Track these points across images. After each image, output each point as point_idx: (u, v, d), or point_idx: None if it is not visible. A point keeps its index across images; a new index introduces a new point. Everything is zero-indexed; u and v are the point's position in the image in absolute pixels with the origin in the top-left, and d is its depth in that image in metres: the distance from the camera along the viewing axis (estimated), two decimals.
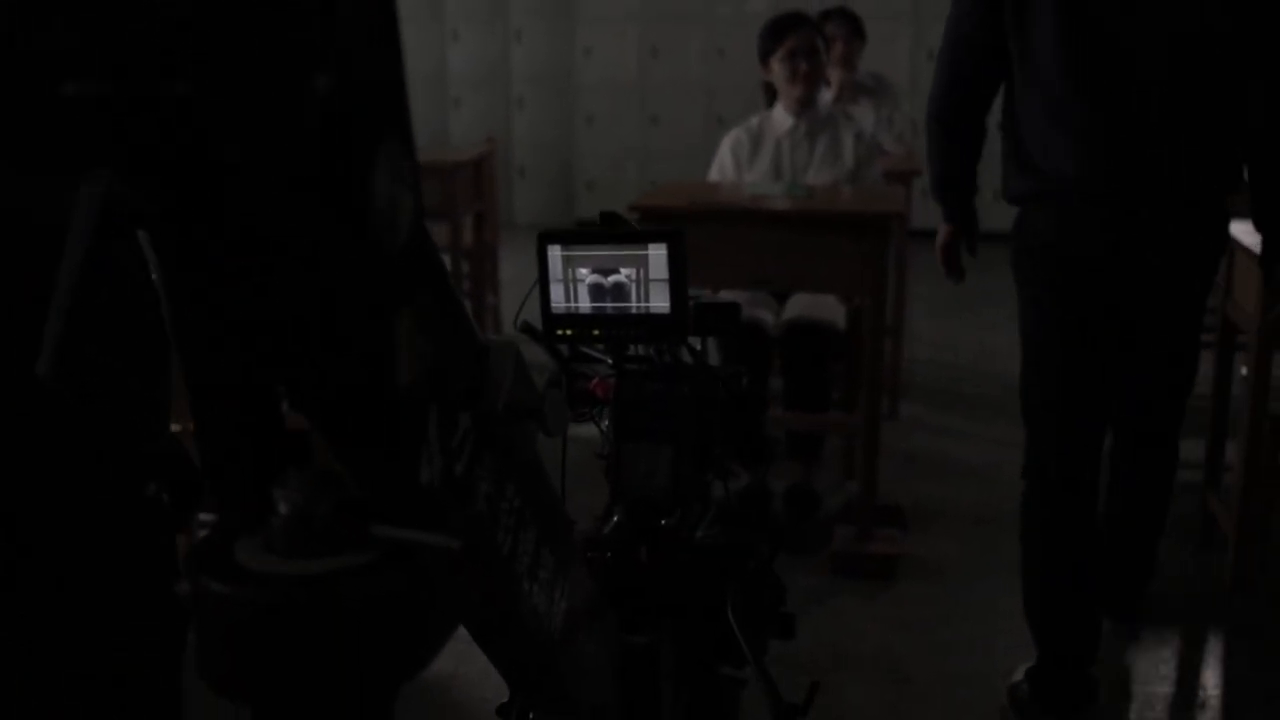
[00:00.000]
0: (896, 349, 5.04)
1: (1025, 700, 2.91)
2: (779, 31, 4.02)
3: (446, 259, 4.94)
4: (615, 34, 8.97)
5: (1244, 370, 3.55)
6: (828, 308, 3.89)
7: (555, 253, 1.99)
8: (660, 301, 1.94)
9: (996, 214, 8.35)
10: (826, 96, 4.96)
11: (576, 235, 1.99)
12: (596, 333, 1.99)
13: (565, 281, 1.99)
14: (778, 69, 4.08)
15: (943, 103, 2.90)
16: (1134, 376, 2.91)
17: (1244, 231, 3.39)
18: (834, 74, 5.18)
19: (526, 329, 2.10)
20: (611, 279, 1.97)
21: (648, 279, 1.95)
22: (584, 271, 1.98)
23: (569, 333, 2.01)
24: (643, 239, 1.94)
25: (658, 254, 1.93)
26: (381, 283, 0.72)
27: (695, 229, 3.57)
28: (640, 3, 8.92)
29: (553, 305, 2.00)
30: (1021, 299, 2.88)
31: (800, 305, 3.90)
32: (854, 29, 5.23)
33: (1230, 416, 3.73)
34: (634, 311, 1.96)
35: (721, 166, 4.23)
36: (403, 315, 0.77)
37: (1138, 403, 2.98)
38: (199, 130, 0.64)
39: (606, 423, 2.06)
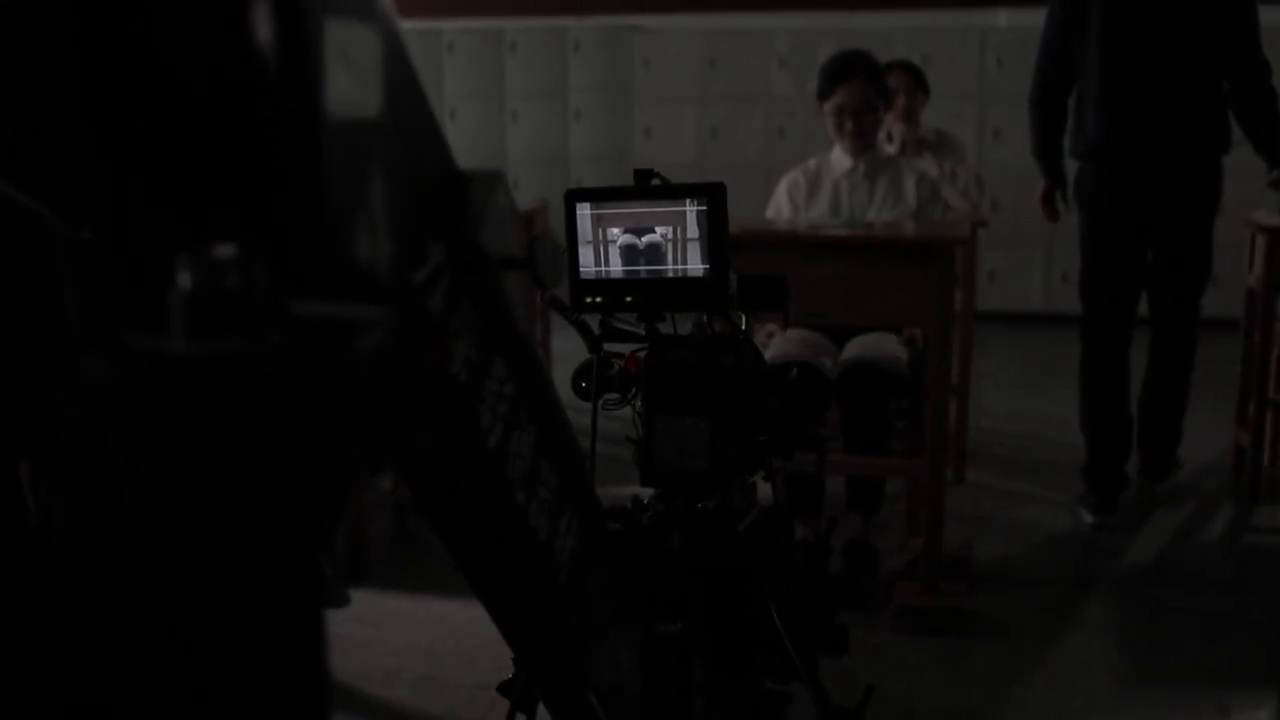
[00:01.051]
0: (962, 411, 4.80)
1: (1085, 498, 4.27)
2: (834, 78, 3.86)
3: None
4: (673, 114, 8.90)
5: None
6: (888, 347, 3.68)
7: (585, 212, 1.81)
8: (698, 263, 1.76)
9: (1061, 297, 8.12)
10: (888, 147, 4.80)
11: (608, 192, 1.81)
12: (629, 299, 1.81)
13: (595, 244, 1.81)
14: (828, 118, 3.92)
15: (1036, 92, 4.33)
16: (1160, 277, 4.22)
17: None
18: (895, 128, 5.02)
19: (554, 304, 1.92)
20: (646, 239, 1.78)
21: (685, 239, 1.77)
22: (616, 232, 1.80)
23: (599, 300, 1.82)
24: (680, 194, 1.77)
25: (696, 211, 1.75)
26: None
27: (748, 262, 3.41)
28: (700, 83, 8.86)
29: (582, 271, 1.82)
30: (1081, 220, 4.25)
31: (859, 346, 3.68)
32: (916, 82, 5.07)
33: None
34: (670, 275, 1.77)
35: (778, 208, 4.06)
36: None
37: (1165, 296, 4.25)
38: None
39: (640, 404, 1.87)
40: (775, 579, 1.73)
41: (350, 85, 0.64)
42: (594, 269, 1.80)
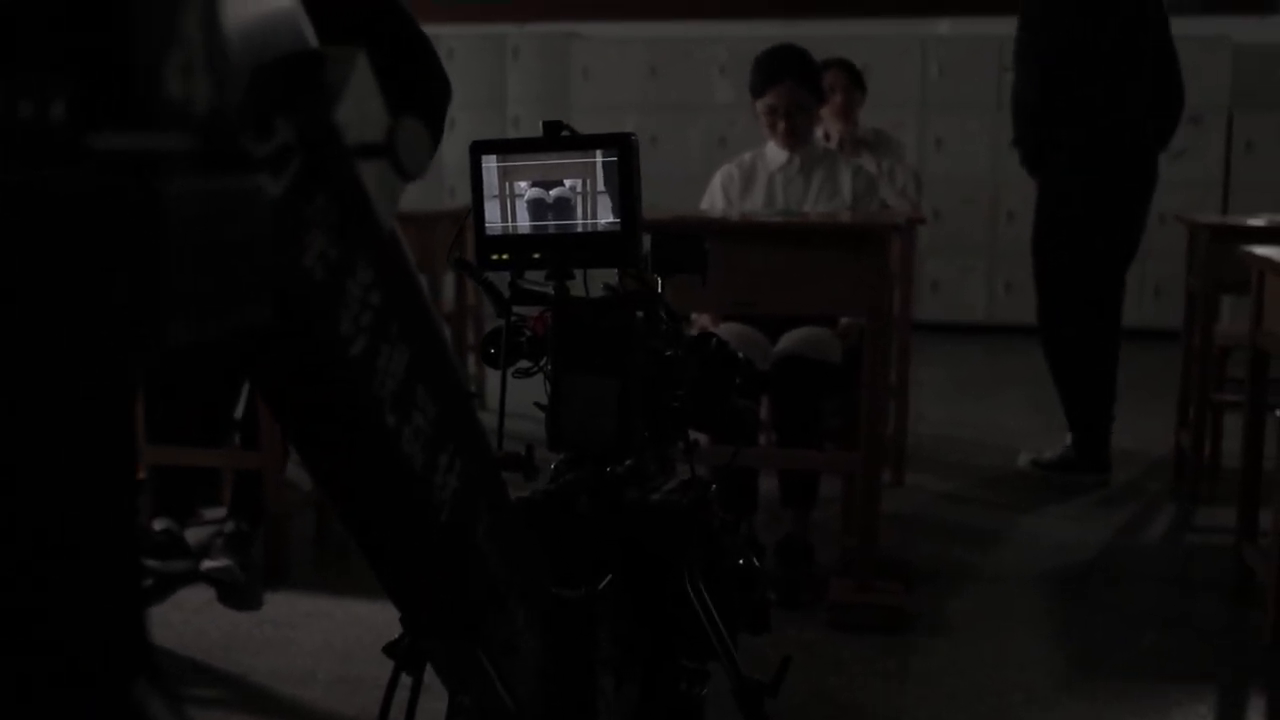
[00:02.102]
0: (902, 413, 4.73)
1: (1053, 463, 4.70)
2: (766, 77, 3.80)
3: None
4: (613, 123, 8.82)
5: None
6: (823, 342, 3.59)
7: (490, 164, 1.71)
8: (609, 217, 1.66)
9: (1003, 308, 8.13)
10: (823, 144, 4.73)
11: (515, 144, 1.71)
12: (537, 256, 1.71)
13: (502, 198, 1.70)
14: (761, 115, 3.86)
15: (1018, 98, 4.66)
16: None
17: (1276, 252, 3.17)
18: (833, 127, 4.96)
19: (459, 264, 1.82)
20: (554, 193, 1.68)
21: (595, 191, 1.67)
22: (523, 185, 1.70)
23: (505, 257, 1.72)
24: (588, 145, 1.67)
25: (607, 162, 1.66)
26: None
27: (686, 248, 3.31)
28: (640, 92, 8.79)
29: (487, 226, 1.71)
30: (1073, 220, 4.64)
31: (792, 340, 3.60)
32: (853, 80, 5.02)
33: (1264, 478, 3.43)
34: (579, 229, 1.67)
35: (712, 200, 3.97)
36: None
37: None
38: None
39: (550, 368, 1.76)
40: (691, 554, 1.63)
41: None
42: (500, 224, 1.70)
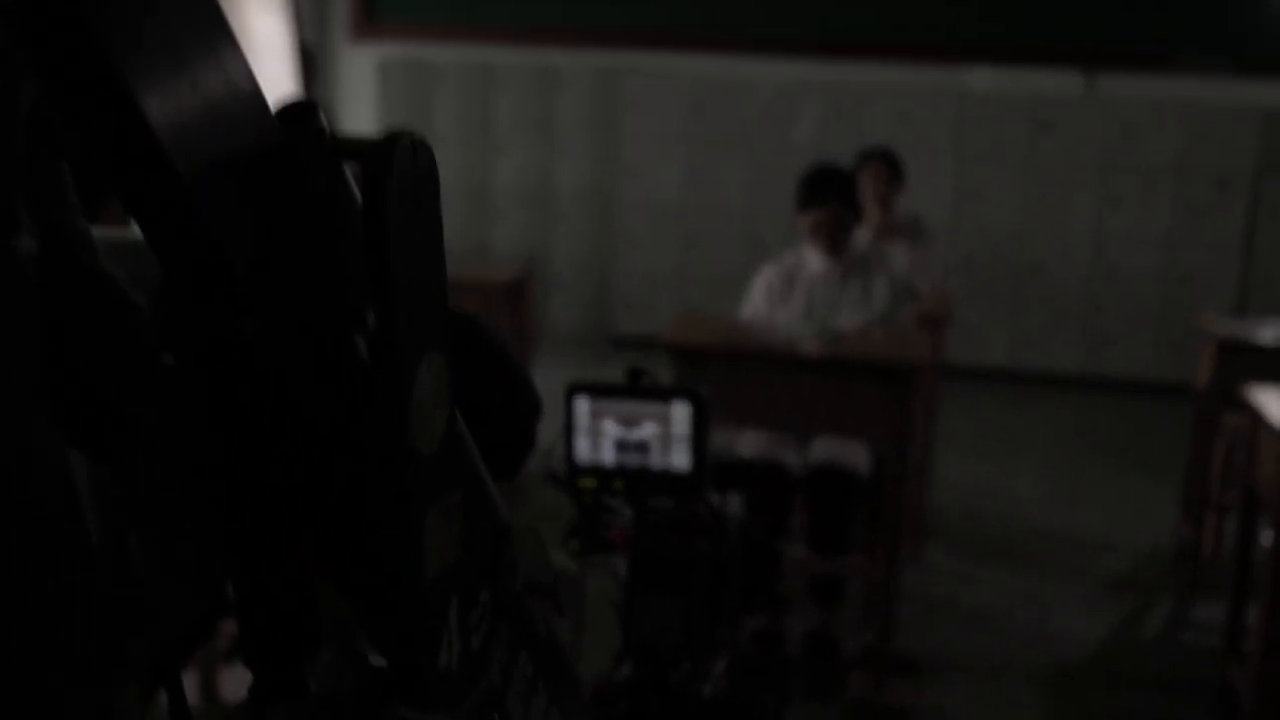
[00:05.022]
0: (921, 492, 5.04)
1: None
2: (809, 197, 4.13)
3: None
4: (659, 156, 9.10)
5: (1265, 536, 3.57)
6: (852, 450, 3.91)
7: (583, 405, 2.03)
8: (681, 459, 1.98)
9: (1025, 354, 8.38)
10: (862, 236, 5.03)
11: (604, 388, 2.03)
12: (618, 486, 2.04)
13: (591, 433, 2.03)
14: (804, 228, 4.18)
15: None
16: None
17: (1269, 399, 3.44)
18: (871, 213, 5.25)
19: (551, 477, 2.14)
20: (635, 435, 2.01)
21: (670, 435, 1.99)
22: (609, 424, 2.02)
23: (591, 483, 2.05)
24: (667, 395, 1.99)
25: (681, 411, 1.98)
26: (414, 483, 0.78)
27: (724, 368, 3.64)
28: (683, 126, 9.08)
29: (577, 456, 2.04)
30: None
31: (825, 448, 3.92)
32: (892, 170, 5.31)
33: (1251, 582, 3.72)
34: (655, 468, 2.00)
35: (753, 304, 4.28)
36: (432, 514, 0.83)
37: None
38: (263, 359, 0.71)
39: (622, 571, 2.09)
40: None
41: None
42: (588, 457, 2.03)
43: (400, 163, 0.75)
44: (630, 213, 9.18)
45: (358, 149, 0.76)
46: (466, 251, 8.82)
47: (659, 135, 9.12)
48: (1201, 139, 8.31)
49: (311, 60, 5.67)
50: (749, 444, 3.88)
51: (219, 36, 0.71)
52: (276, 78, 4.52)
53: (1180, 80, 8.41)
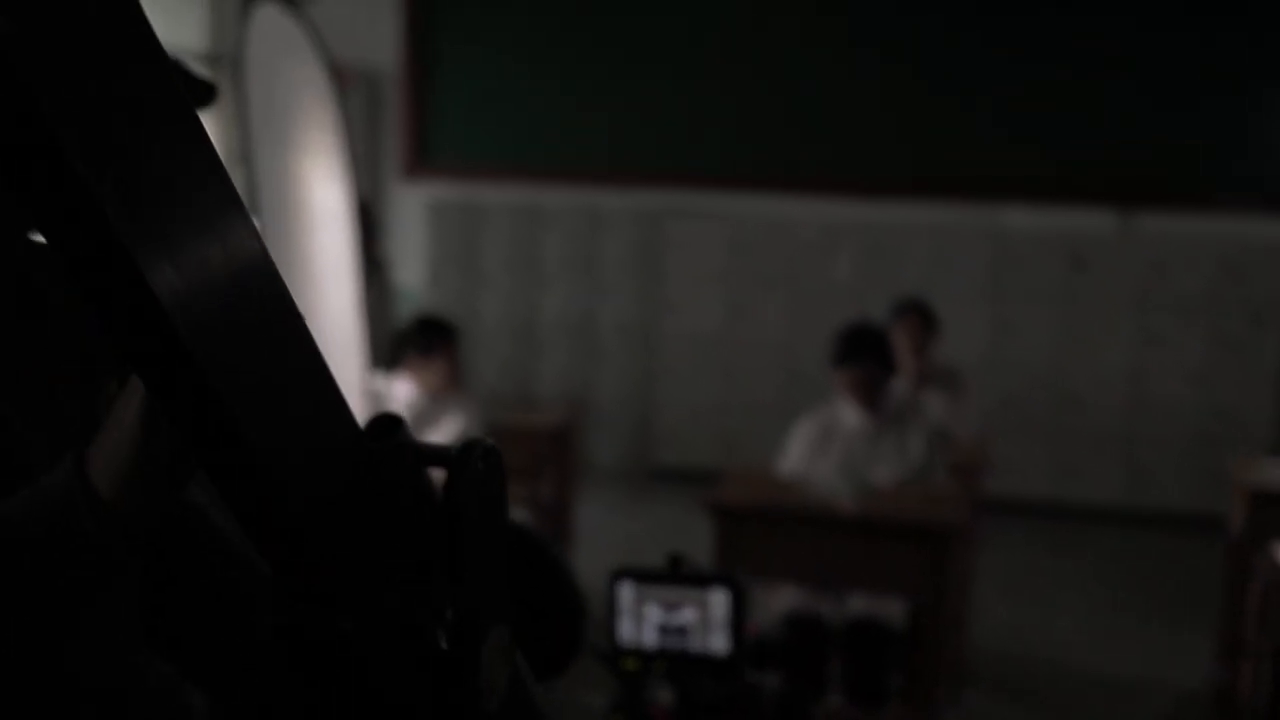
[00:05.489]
0: (959, 638, 5.11)
1: None
2: (845, 356, 4.29)
3: (525, 511, 5.16)
4: (700, 295, 9.31)
5: None
6: (888, 602, 4.01)
7: (627, 591, 2.17)
8: (719, 643, 2.11)
9: (1065, 486, 8.45)
10: (899, 386, 5.17)
11: (647, 574, 2.17)
12: (659, 666, 2.16)
13: (634, 616, 2.16)
14: (841, 384, 4.33)
15: None
16: None
17: None
18: (906, 364, 5.39)
19: (595, 653, 2.27)
20: (676, 620, 2.14)
21: (709, 619, 2.12)
22: (651, 608, 2.16)
23: (634, 664, 2.17)
24: (707, 581, 2.12)
25: (719, 597, 2.11)
26: None
27: (762, 525, 3.78)
28: (724, 264, 9.30)
29: (620, 639, 2.17)
30: None
31: (862, 600, 4.02)
32: (926, 321, 5.46)
33: None
34: (694, 651, 2.13)
35: (791, 457, 4.42)
36: None
37: None
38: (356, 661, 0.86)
39: None
40: None
41: None
42: (631, 638, 2.16)
43: (473, 471, 0.89)
44: (672, 348, 9.36)
45: (438, 459, 0.90)
46: (512, 394, 9.03)
47: (700, 273, 9.33)
48: (1235, 275, 8.43)
49: (370, 216, 5.92)
50: (786, 598, 3.99)
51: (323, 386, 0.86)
52: (339, 245, 4.73)
53: (1214, 217, 8.55)
